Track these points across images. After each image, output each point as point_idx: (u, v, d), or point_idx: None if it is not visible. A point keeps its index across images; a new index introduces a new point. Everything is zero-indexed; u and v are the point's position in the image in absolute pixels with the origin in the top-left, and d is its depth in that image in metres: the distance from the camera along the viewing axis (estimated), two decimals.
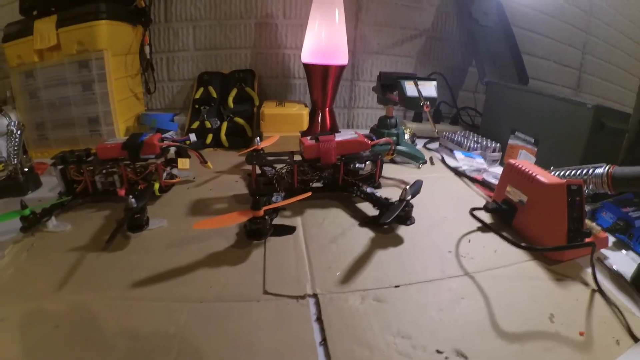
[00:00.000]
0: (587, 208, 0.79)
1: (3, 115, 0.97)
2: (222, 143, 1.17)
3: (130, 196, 0.67)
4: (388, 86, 1.06)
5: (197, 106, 1.24)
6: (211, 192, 0.88)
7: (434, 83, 0.98)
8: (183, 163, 0.88)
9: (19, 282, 0.57)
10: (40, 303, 0.52)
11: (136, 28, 1.22)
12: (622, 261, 0.68)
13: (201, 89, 1.26)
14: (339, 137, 0.83)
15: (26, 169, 0.85)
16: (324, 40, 1.15)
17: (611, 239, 0.73)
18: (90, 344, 0.46)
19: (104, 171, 0.81)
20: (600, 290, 0.59)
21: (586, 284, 0.61)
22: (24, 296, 0.54)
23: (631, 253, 0.71)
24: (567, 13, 1.62)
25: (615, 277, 0.64)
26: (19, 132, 0.84)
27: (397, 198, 0.73)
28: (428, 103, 0.92)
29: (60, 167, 0.79)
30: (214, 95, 1.25)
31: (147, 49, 1.27)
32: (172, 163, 0.90)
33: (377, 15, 1.39)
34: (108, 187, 0.82)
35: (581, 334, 0.51)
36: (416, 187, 0.74)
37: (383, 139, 0.89)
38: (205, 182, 0.93)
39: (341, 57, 1.18)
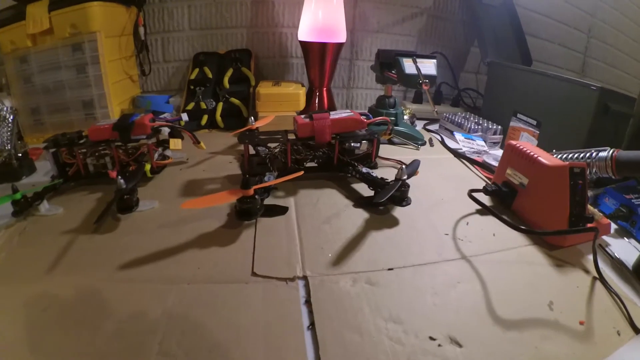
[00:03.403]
0: (590, 194, 0.77)
1: None
2: (218, 124, 1.15)
3: (119, 177, 0.66)
4: (387, 64, 1.04)
5: (192, 87, 1.22)
6: (204, 173, 0.87)
7: (434, 61, 0.95)
8: (175, 144, 0.87)
9: (10, 266, 0.57)
10: (32, 286, 0.52)
11: (130, 9, 1.19)
12: (624, 249, 0.66)
13: (196, 70, 1.24)
14: (333, 115, 0.81)
15: (20, 155, 0.85)
16: (321, 16, 1.12)
17: (613, 226, 0.72)
18: (79, 326, 0.46)
19: (96, 153, 0.80)
20: (601, 278, 0.57)
21: (587, 271, 0.60)
22: (16, 280, 0.54)
23: (633, 241, 0.69)
24: None
25: (617, 265, 0.62)
26: (11, 117, 0.83)
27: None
28: (427, 81, 0.89)
29: (52, 150, 0.78)
30: (210, 75, 1.23)
31: (141, 30, 1.24)
32: (164, 144, 0.88)
33: None
34: (100, 169, 0.81)
35: (581, 323, 0.50)
36: (413, 167, 0.72)
37: (380, 118, 0.87)
38: (198, 163, 0.92)
39: (339, 35, 1.15)
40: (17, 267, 0.56)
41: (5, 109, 0.84)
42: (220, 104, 1.17)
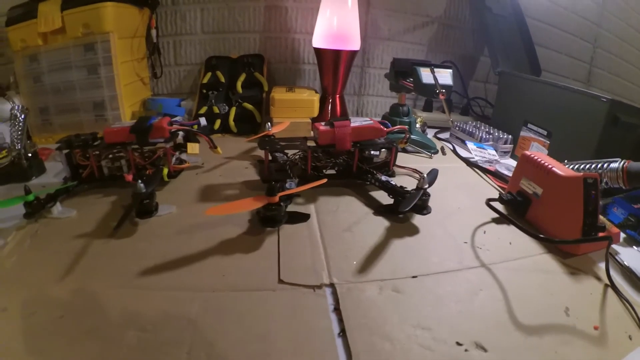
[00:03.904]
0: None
1: (7, 100, 0.96)
2: (231, 129, 1.16)
3: (139, 181, 0.65)
4: (402, 73, 1.04)
5: (204, 91, 1.22)
6: (220, 178, 0.87)
7: (450, 71, 0.97)
8: (192, 148, 0.87)
9: (22, 270, 0.55)
10: (44, 292, 0.51)
11: (143, 11, 1.19)
12: (632, 257, 0.67)
13: (209, 74, 1.24)
14: (354, 123, 0.82)
15: (30, 155, 0.84)
16: (335, 24, 1.13)
17: (622, 235, 0.72)
18: (97, 335, 0.45)
19: (111, 156, 0.80)
20: (613, 286, 0.59)
21: (599, 278, 0.61)
22: (28, 285, 0.52)
23: None
24: (580, 5, 1.59)
25: (627, 272, 0.63)
26: (22, 116, 0.82)
27: (412, 187, 0.72)
28: (444, 91, 0.90)
29: (65, 151, 0.77)
30: (222, 80, 1.23)
31: (153, 32, 1.24)
32: (181, 148, 0.89)
33: (388, 0, 1.36)
34: (115, 172, 0.81)
35: (596, 328, 0.51)
36: (432, 176, 0.73)
37: (398, 127, 0.88)
38: (214, 168, 0.92)
39: (353, 42, 1.16)
40: (30, 271, 0.55)
41: (16, 107, 0.83)
42: (234, 109, 1.17)
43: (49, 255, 0.59)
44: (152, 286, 0.53)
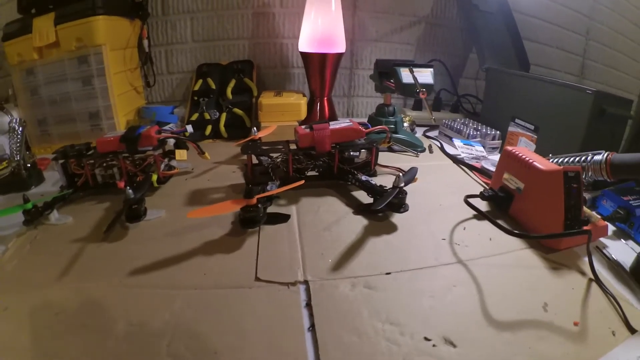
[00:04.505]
0: (588, 196, 0.78)
1: (5, 113, 0.99)
2: (221, 134, 1.17)
3: (128, 187, 0.68)
4: (385, 73, 1.05)
5: (196, 98, 1.24)
6: (209, 183, 0.89)
7: (431, 70, 0.97)
8: (180, 154, 0.89)
9: (22, 272, 0.59)
10: (43, 292, 0.54)
11: (134, 22, 1.22)
12: (621, 250, 0.67)
13: (200, 81, 1.26)
14: (333, 125, 0.83)
15: (29, 165, 0.86)
16: (320, 28, 1.15)
17: (611, 228, 0.72)
18: (90, 330, 0.48)
19: (104, 164, 0.82)
20: (597, 280, 0.58)
21: (583, 273, 0.60)
22: (28, 286, 0.56)
23: (631, 242, 0.70)
24: None
25: (614, 266, 0.63)
26: (20, 128, 0.85)
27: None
28: (424, 90, 0.91)
29: (61, 161, 0.80)
30: (213, 86, 1.25)
31: (145, 42, 1.26)
32: (170, 155, 0.91)
33: (375, 2, 1.38)
34: (108, 180, 0.83)
35: (575, 324, 0.51)
36: (410, 175, 0.74)
37: (378, 127, 0.89)
38: (203, 173, 0.94)
39: (338, 45, 1.18)
40: (29, 273, 0.58)
41: (14, 120, 0.85)
42: (224, 115, 1.19)
43: (47, 259, 0.62)
44: (140, 284, 0.56)
